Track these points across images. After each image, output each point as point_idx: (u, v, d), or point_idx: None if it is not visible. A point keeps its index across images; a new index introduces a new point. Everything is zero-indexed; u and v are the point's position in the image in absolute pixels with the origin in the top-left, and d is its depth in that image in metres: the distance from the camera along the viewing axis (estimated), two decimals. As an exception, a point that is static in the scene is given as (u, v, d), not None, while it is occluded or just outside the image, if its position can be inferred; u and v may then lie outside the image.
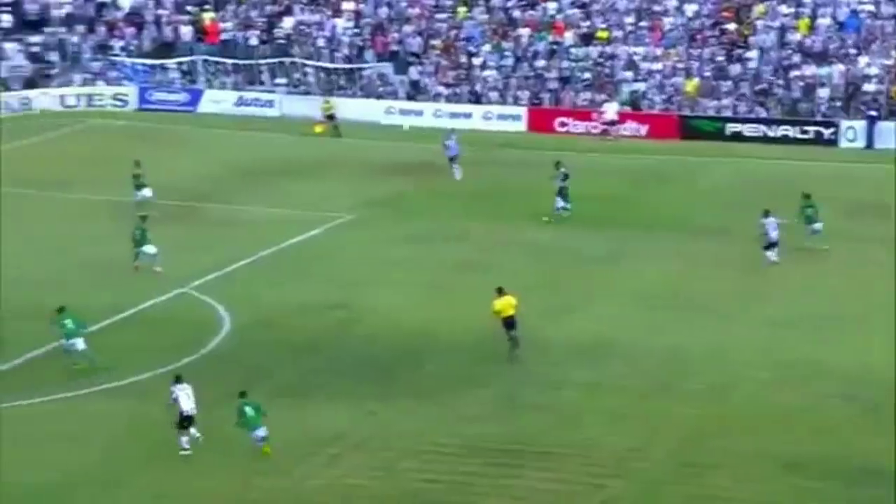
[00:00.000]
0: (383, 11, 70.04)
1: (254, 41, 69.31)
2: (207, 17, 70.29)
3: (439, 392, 33.34)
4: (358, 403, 32.50)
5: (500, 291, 35.85)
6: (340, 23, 69.57)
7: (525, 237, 46.38)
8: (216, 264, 42.72)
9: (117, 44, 69.69)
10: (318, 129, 63.19)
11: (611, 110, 62.91)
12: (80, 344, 34.77)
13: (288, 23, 69.81)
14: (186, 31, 69.96)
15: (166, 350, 35.13)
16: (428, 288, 41.06)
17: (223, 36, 69.79)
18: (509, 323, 35.59)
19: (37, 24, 70.07)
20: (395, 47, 68.26)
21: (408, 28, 68.96)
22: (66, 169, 55.50)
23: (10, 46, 68.24)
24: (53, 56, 69.10)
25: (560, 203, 48.28)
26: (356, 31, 69.29)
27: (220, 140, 61.95)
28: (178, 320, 38.14)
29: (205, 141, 61.79)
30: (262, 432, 29.64)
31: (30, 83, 67.60)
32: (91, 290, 39.96)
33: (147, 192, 48.76)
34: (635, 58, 65.74)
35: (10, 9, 69.81)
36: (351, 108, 65.01)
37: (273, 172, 55.24)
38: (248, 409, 29.80)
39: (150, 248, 42.30)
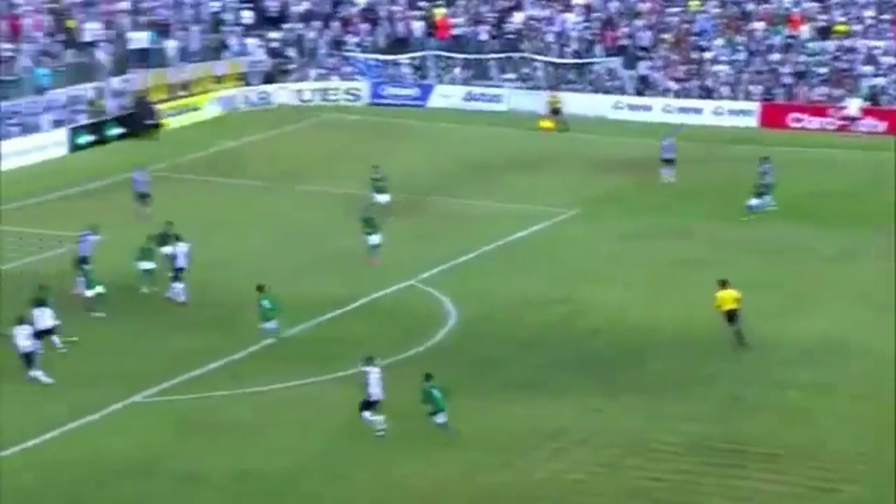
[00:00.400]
0: (614, 6, 69.73)
1: (484, 36, 69.91)
2: (439, 12, 71.19)
3: (663, 389, 33.10)
4: (581, 399, 32.50)
5: (724, 284, 35.51)
6: (570, 17, 69.57)
7: (753, 234, 45.57)
8: (443, 257, 43.27)
9: (352, 40, 71.22)
10: (546, 123, 63.38)
11: (854, 106, 61.39)
12: (271, 324, 35.99)
13: (518, 18, 70.17)
14: (418, 27, 71.03)
15: (394, 341, 35.76)
16: (650, 284, 40.77)
17: (454, 31, 70.60)
18: (731, 316, 35.15)
19: (276, 21, 72.11)
20: (624, 42, 67.90)
21: (638, 22, 68.50)
22: (302, 162, 56.99)
23: (250, 42, 70.28)
24: (291, 52, 71.02)
25: (753, 201, 47.35)
26: (586, 25, 69.19)
27: (448, 135, 62.66)
28: (405, 312, 38.78)
29: (434, 135, 62.60)
30: (441, 418, 29.93)
31: (268, 78, 69.51)
32: (324, 280, 40.99)
33: (384, 198, 47.79)
34: (875, 52, 63.82)
35: (251, 6, 72.09)
36: (578, 103, 64.99)
37: (499, 167, 55.64)
38: (436, 392, 30.11)
39: (374, 239, 42.91)
